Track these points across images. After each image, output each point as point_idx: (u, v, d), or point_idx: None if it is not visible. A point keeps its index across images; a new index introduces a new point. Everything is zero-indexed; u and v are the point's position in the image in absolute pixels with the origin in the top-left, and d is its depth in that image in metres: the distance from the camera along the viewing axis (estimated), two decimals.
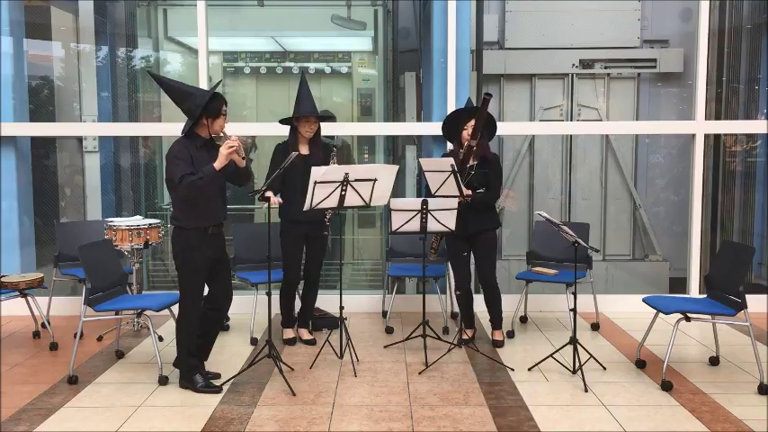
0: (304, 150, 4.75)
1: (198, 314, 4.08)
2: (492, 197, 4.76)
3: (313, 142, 4.80)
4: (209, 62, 5.82)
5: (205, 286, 4.14)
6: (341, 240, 5.41)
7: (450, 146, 5.15)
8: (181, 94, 3.95)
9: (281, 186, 4.68)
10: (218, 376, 4.26)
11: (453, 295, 5.63)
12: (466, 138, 4.63)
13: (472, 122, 4.59)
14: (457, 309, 5.27)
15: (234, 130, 6.23)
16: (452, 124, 4.81)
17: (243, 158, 3.96)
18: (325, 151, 4.86)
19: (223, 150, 3.84)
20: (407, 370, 4.43)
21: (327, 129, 6.91)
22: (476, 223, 4.72)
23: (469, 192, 4.59)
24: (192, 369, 4.09)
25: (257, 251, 5.20)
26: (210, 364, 4.35)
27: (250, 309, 5.17)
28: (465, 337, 4.91)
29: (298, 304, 5.11)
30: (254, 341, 5.02)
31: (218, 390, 4.04)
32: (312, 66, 7.46)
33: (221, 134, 3.99)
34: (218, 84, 4.45)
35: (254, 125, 6.62)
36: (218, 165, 3.84)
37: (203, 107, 3.87)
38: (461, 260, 4.84)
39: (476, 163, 4.68)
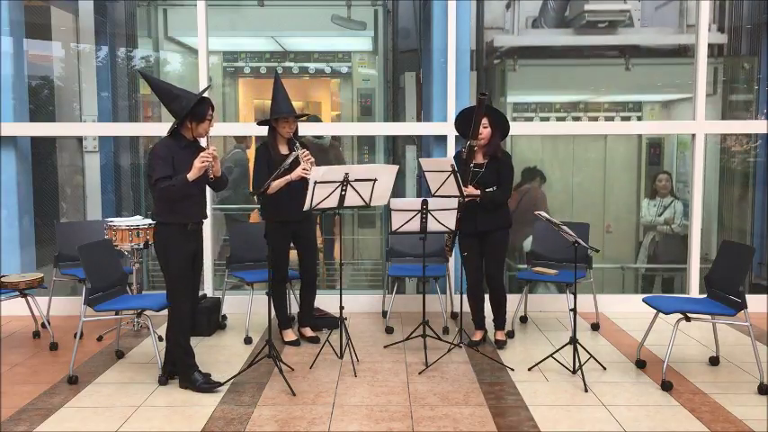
0: (284, 150, 4.73)
1: (189, 312, 4.10)
2: (500, 196, 4.70)
3: (291, 142, 4.74)
4: (209, 62, 5.82)
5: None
6: (341, 240, 5.39)
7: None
8: (169, 95, 3.97)
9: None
10: (207, 376, 4.25)
11: (453, 295, 5.64)
12: (483, 134, 4.62)
13: (485, 120, 4.59)
14: (457, 309, 5.26)
15: (233, 129, 6.21)
16: (467, 120, 4.67)
17: (215, 171, 3.99)
18: (291, 147, 4.71)
19: (197, 163, 3.88)
20: (407, 370, 4.43)
21: (329, 128, 6.88)
22: (485, 222, 4.70)
23: (476, 191, 4.59)
24: (190, 368, 4.09)
25: (253, 250, 5.22)
26: (209, 364, 4.36)
27: (247, 308, 5.16)
28: (475, 339, 4.89)
29: (294, 306, 5.09)
30: (248, 340, 5.02)
31: (217, 385, 4.03)
32: (312, 66, 7.46)
33: (205, 138, 4.01)
34: (207, 88, 4.44)
35: (252, 125, 6.62)
36: (191, 176, 3.88)
37: (189, 111, 3.89)
38: (470, 258, 4.82)
39: (486, 161, 4.68)
